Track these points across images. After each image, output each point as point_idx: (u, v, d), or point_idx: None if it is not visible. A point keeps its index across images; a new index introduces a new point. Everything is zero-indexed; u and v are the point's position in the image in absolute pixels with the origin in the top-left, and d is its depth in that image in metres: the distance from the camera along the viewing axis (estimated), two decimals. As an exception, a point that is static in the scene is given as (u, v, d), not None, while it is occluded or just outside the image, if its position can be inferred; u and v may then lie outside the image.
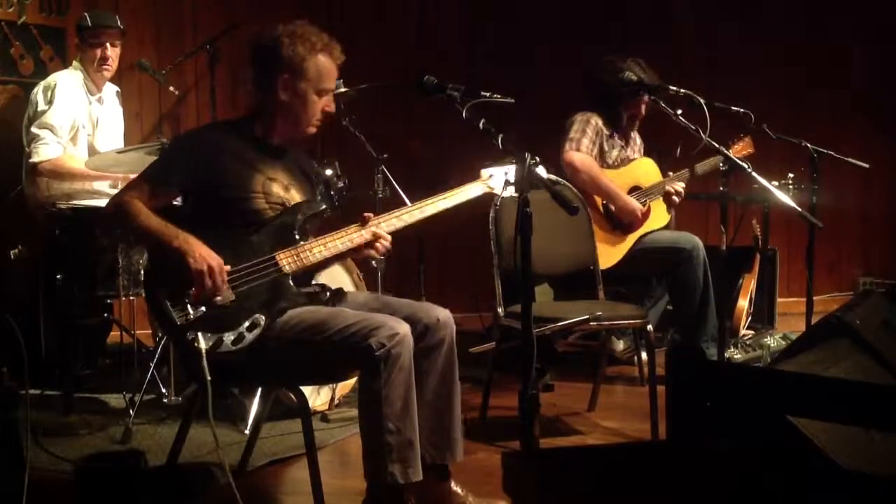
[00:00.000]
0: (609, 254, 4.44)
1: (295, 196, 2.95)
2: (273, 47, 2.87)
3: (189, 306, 2.65)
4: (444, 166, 5.81)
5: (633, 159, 4.70)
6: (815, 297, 4.11)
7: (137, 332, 4.32)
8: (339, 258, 2.99)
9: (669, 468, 1.63)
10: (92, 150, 4.37)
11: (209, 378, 2.59)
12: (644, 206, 4.53)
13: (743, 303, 5.14)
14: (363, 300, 2.99)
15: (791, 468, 1.66)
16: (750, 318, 5.37)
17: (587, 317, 3.50)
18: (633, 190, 4.58)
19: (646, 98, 4.53)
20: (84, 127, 4.34)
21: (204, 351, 2.60)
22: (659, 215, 4.63)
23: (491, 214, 3.84)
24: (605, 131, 4.59)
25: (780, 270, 5.88)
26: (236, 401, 3.76)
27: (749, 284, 5.24)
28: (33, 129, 4.24)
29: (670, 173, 4.65)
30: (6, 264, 4.26)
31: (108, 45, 4.36)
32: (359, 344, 2.60)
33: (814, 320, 3.75)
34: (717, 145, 3.74)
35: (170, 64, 5.21)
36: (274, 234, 2.82)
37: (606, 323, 3.63)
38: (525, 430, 2.36)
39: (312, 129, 2.97)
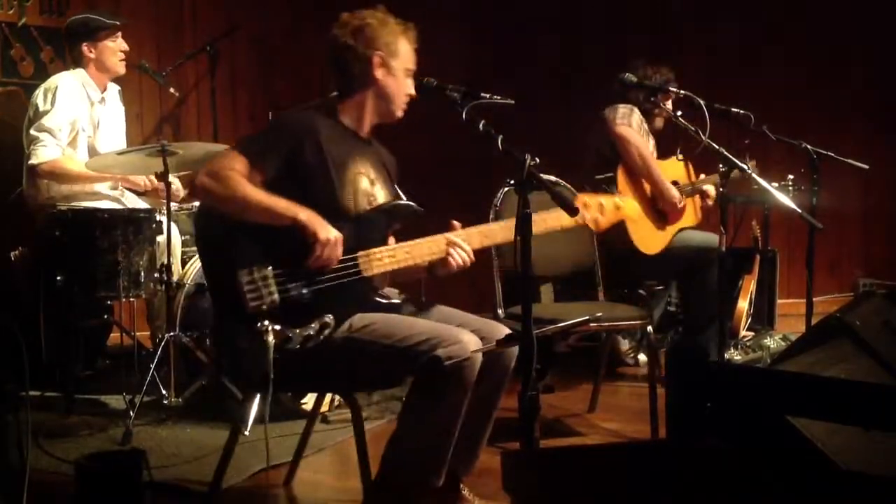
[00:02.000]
0: (655, 241, 4.48)
1: (379, 192, 2.90)
2: (364, 27, 2.86)
3: (271, 294, 2.59)
4: (444, 167, 5.84)
5: (668, 159, 4.71)
6: (815, 299, 4.09)
7: (137, 333, 4.32)
8: (420, 269, 2.88)
9: (669, 468, 1.63)
10: (93, 152, 4.37)
11: (272, 376, 2.52)
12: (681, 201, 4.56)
13: (743, 304, 5.14)
14: (429, 311, 2.90)
15: (791, 468, 1.66)
16: (750, 320, 5.36)
17: (587, 318, 3.49)
18: (672, 185, 4.58)
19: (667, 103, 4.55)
20: (84, 129, 4.34)
21: (272, 344, 2.54)
22: (689, 214, 4.66)
23: (491, 216, 3.84)
24: (645, 127, 4.61)
25: (780, 271, 5.87)
26: (236, 402, 3.75)
27: (749, 285, 5.23)
28: (32, 132, 4.23)
29: (702, 175, 4.68)
30: (7, 266, 4.26)
31: (121, 39, 4.41)
32: (427, 353, 2.55)
33: (814, 321, 3.75)
34: (716, 147, 3.73)
35: (170, 65, 5.21)
36: (360, 231, 2.74)
37: (606, 324, 3.63)
38: (525, 431, 2.35)
39: (400, 113, 2.94)
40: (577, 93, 6.02)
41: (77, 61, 4.40)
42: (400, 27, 2.92)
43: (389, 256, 2.74)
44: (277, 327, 2.56)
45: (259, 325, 2.56)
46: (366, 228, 2.77)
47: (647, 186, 4.51)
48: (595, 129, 4.58)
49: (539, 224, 2.76)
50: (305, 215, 2.62)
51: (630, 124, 4.47)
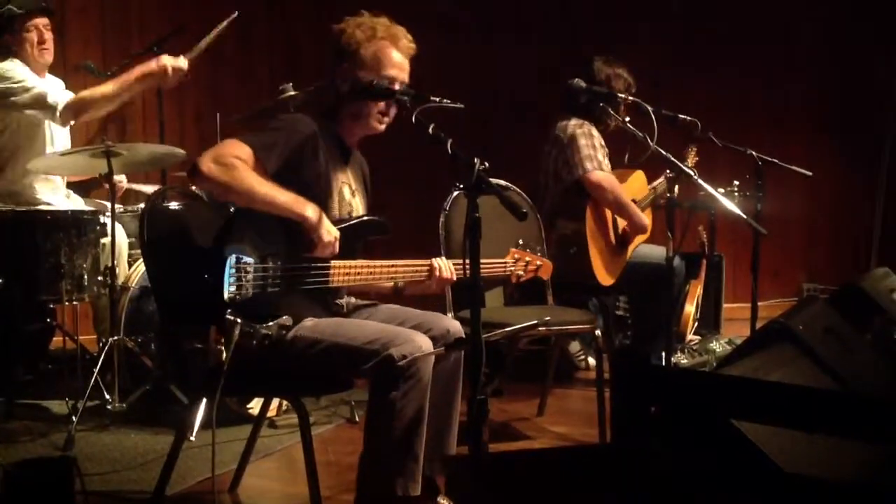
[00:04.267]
0: (612, 272, 4.38)
1: (357, 203, 2.91)
2: (340, 34, 2.81)
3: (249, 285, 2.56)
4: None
5: (629, 172, 4.61)
6: (759, 303, 4.14)
7: (81, 337, 4.25)
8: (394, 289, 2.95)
9: (613, 471, 1.63)
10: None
11: (225, 358, 2.46)
12: None
13: (689, 308, 5.21)
14: (373, 309, 2.91)
15: (734, 471, 1.68)
16: (696, 324, 5.43)
17: (536, 322, 3.50)
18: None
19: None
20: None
21: (237, 335, 2.47)
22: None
23: (441, 219, 3.83)
24: (602, 141, 4.40)
25: (725, 276, 5.95)
26: (183, 407, 3.71)
27: (696, 290, 5.30)
28: (25, 97, 4.02)
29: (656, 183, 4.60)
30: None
31: (41, 27, 4.20)
32: (379, 353, 2.53)
33: (758, 326, 3.80)
34: (664, 153, 3.76)
35: (116, 65, 5.12)
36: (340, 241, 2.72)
37: (555, 328, 3.64)
38: (473, 435, 2.35)
39: (378, 125, 2.87)
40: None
41: (5, 53, 4.21)
42: (377, 32, 2.82)
43: (357, 272, 2.75)
44: (243, 320, 2.50)
45: (229, 314, 2.49)
46: (343, 239, 2.73)
47: (608, 215, 4.42)
48: (548, 150, 4.44)
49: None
50: (313, 213, 2.62)
51: (600, 166, 4.27)
